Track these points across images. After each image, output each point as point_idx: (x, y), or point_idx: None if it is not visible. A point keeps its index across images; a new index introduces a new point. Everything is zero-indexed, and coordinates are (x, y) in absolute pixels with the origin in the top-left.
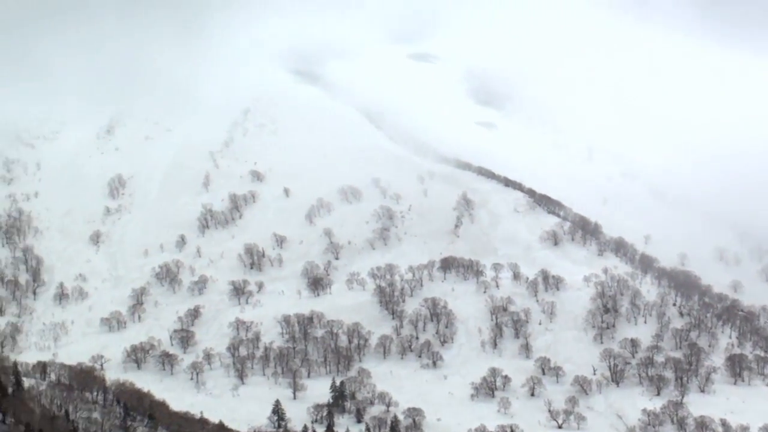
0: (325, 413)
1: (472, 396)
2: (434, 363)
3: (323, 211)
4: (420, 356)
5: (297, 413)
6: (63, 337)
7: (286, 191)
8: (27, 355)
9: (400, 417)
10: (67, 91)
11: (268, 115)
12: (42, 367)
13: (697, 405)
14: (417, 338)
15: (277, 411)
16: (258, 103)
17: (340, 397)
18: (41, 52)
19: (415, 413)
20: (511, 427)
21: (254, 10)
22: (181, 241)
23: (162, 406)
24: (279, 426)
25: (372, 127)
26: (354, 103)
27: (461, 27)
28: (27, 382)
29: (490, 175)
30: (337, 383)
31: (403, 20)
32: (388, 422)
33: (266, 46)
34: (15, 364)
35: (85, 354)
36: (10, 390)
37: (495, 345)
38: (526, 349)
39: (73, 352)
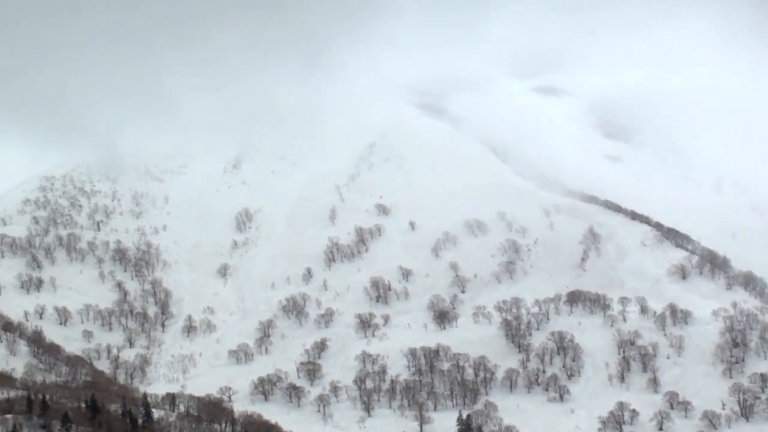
0: None
1: (600, 430)
2: (561, 397)
3: (449, 244)
4: (547, 390)
5: None
6: (191, 369)
7: (412, 225)
8: (156, 386)
9: None
10: (194, 125)
11: (394, 148)
12: (171, 399)
13: None
14: (543, 372)
15: None
16: (384, 138)
17: (466, 431)
18: (169, 87)
19: None
20: None
21: (378, 44)
22: (308, 274)
23: None
24: None
25: (497, 160)
26: (479, 137)
27: (587, 60)
28: (157, 414)
29: (616, 208)
30: (464, 416)
31: (528, 54)
32: None
33: (391, 79)
34: (145, 395)
35: (213, 386)
36: (140, 421)
37: (622, 379)
38: (654, 383)
39: (201, 384)
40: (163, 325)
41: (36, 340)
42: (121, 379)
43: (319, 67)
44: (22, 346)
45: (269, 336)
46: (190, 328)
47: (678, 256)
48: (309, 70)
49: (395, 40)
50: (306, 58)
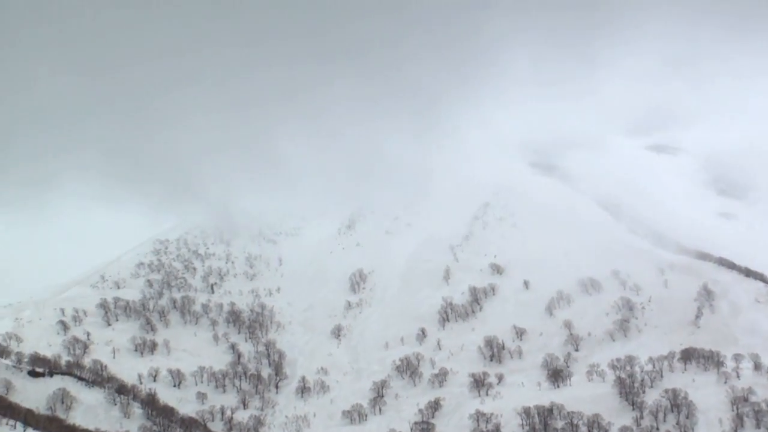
0: None
1: None
2: None
3: (563, 302)
4: None
5: None
6: (305, 429)
7: (526, 283)
8: None
9: None
10: (306, 184)
11: (508, 207)
12: None
13: None
14: (657, 429)
15: None
16: (497, 196)
17: None
18: (279, 146)
19: None
20: None
21: (487, 99)
22: (422, 334)
23: None
24: None
25: (611, 218)
26: (592, 195)
27: (699, 115)
28: None
29: (730, 265)
30: None
31: (640, 109)
32: None
33: (502, 136)
34: None
35: None
36: None
37: None
38: None
39: None
40: (276, 387)
41: (150, 403)
42: None
43: (429, 122)
44: (136, 409)
45: (383, 396)
46: (303, 389)
47: None
48: (419, 125)
49: (505, 95)
50: (414, 112)
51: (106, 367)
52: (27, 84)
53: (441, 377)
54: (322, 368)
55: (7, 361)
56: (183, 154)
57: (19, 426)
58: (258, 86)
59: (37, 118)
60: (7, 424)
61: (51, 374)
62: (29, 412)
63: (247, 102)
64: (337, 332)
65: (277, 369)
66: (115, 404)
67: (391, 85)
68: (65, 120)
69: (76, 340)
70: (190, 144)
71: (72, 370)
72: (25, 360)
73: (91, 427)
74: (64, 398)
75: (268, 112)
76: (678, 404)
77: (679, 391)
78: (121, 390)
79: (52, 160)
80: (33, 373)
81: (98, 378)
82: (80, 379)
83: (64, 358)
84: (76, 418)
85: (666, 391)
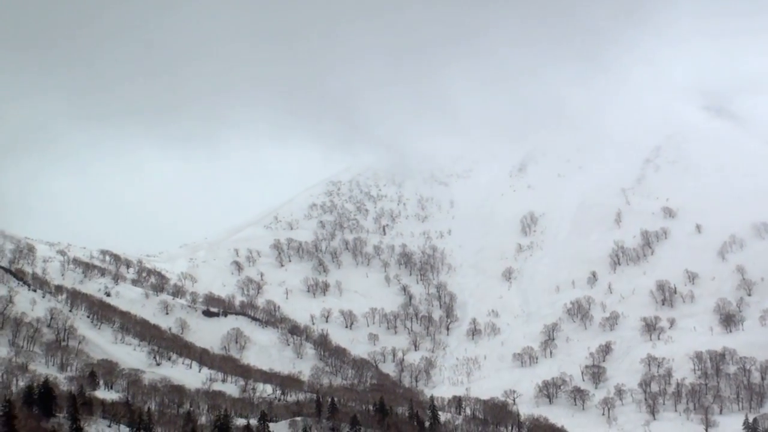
0: None
1: None
2: None
3: (735, 247)
4: None
5: None
6: (475, 372)
7: (698, 228)
8: (441, 389)
9: None
10: (477, 126)
11: (680, 151)
12: (457, 402)
13: None
14: None
15: None
16: (669, 140)
17: None
18: (449, 89)
19: None
20: None
21: (655, 44)
22: (593, 278)
23: None
24: None
25: None
26: (766, 138)
27: None
28: (443, 417)
29: None
30: (750, 420)
31: None
32: None
33: (672, 80)
34: (431, 398)
35: (498, 389)
36: (427, 424)
37: None
38: None
39: (486, 387)
40: (447, 329)
41: (322, 344)
42: (406, 382)
43: (596, 65)
44: (309, 349)
45: (554, 339)
46: (474, 332)
47: None
48: (586, 68)
49: (675, 37)
50: (582, 55)
51: (279, 307)
52: (198, 17)
53: (612, 321)
54: (492, 311)
55: (182, 301)
56: (355, 95)
57: (195, 365)
58: (427, 28)
59: (209, 52)
60: (183, 363)
61: (225, 314)
62: (204, 351)
63: (417, 44)
64: (507, 275)
65: (448, 311)
66: (288, 345)
67: (557, 26)
68: (237, 56)
69: (249, 280)
70: (362, 85)
71: (245, 311)
72: (200, 300)
73: (264, 367)
74: (237, 338)
75: (437, 55)
76: None
77: None
78: (294, 330)
79: (224, 97)
80: (207, 313)
81: (271, 318)
82: (254, 319)
83: (238, 299)
84: (249, 357)
85: None
